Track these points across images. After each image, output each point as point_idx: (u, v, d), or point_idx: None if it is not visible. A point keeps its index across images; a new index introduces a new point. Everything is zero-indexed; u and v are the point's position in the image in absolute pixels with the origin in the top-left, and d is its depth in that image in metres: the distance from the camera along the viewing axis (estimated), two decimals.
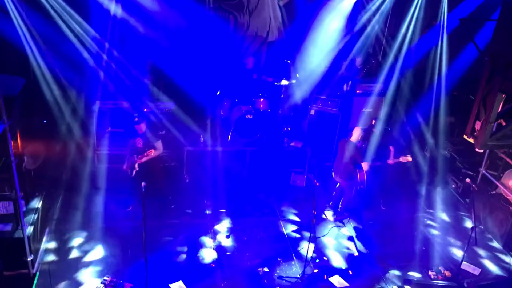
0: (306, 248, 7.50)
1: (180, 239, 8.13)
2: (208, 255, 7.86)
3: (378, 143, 9.26)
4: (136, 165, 8.29)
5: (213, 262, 7.70)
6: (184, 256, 7.77)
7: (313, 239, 7.63)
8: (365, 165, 8.65)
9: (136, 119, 8.40)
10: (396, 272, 7.81)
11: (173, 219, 8.61)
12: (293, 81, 10.43)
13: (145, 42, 9.97)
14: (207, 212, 8.90)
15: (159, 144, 8.53)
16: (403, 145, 10.07)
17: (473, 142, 6.24)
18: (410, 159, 9.07)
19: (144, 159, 8.30)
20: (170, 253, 7.77)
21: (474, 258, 8.29)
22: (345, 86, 10.87)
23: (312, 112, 10.66)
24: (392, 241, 8.53)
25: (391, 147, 9.14)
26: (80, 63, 9.44)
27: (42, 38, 8.99)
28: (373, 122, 9.52)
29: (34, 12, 8.77)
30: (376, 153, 9.12)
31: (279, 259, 7.86)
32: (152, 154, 8.33)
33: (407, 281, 7.50)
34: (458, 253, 8.35)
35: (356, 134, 8.58)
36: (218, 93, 10.59)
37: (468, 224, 9.14)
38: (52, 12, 8.97)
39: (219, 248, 8.03)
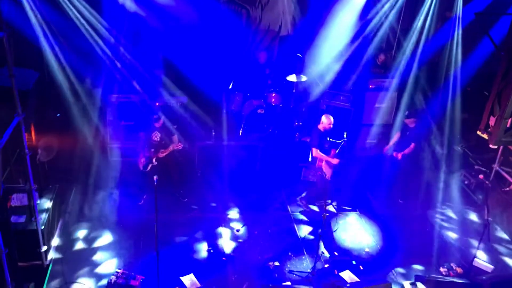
0: (317, 243, 7.49)
1: (191, 233, 8.17)
2: (219, 248, 7.89)
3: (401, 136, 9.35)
4: (154, 160, 8.34)
5: (224, 255, 7.74)
6: (195, 249, 7.80)
7: (324, 234, 7.61)
8: (334, 160, 8.65)
9: (155, 116, 8.46)
10: (408, 268, 7.77)
11: (185, 213, 8.65)
12: (305, 77, 10.37)
13: (158, 36, 9.99)
14: (219, 206, 8.92)
15: (175, 138, 8.58)
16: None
17: (487, 138, 6.18)
18: (399, 156, 9.23)
19: (164, 153, 8.35)
20: (181, 247, 7.81)
21: (487, 255, 8.22)
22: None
23: (324, 107, 10.62)
24: (404, 236, 8.48)
25: (412, 144, 9.18)
26: (94, 57, 9.49)
27: (56, 32, 9.05)
28: (406, 113, 9.45)
29: (48, 5, 8.82)
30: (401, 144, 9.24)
31: (289, 254, 7.86)
32: (173, 147, 8.39)
33: (418, 277, 7.45)
34: (470, 249, 8.28)
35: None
36: (230, 87, 10.59)
37: (481, 220, 9.06)
38: (66, 5, 9.02)
39: (230, 242, 8.06)
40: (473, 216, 9.36)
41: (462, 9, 9.90)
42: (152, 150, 8.39)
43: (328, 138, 8.65)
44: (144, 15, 9.71)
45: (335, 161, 8.69)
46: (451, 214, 9.36)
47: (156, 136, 8.46)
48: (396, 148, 9.32)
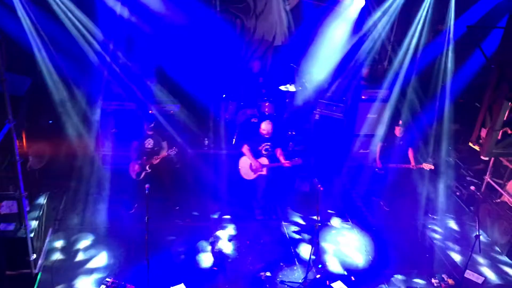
0: (309, 253, 7.47)
1: (183, 242, 8.11)
2: (210, 258, 7.84)
3: (391, 146, 9.31)
4: (147, 167, 8.31)
5: (215, 265, 7.68)
6: (186, 258, 7.75)
7: (316, 244, 7.60)
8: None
9: (151, 124, 8.44)
10: (399, 279, 7.76)
11: (176, 222, 8.60)
12: (299, 87, 10.41)
13: (151, 44, 10.00)
14: (211, 215, 8.88)
15: (165, 144, 8.57)
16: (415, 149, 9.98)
17: (478, 149, 6.21)
18: (432, 167, 9.10)
19: (158, 160, 8.33)
20: (172, 256, 7.75)
21: (478, 266, 8.24)
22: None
23: (317, 116, 10.65)
24: (396, 247, 8.48)
25: (410, 149, 9.22)
26: (86, 64, 9.46)
27: (49, 39, 9.02)
28: (400, 122, 9.39)
29: (41, 12, 8.80)
30: (392, 155, 9.20)
31: (281, 264, 7.83)
32: (165, 154, 8.38)
33: None
34: (461, 261, 8.30)
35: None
36: (224, 96, 10.60)
37: (472, 232, 9.09)
38: (59, 12, 9.01)
39: (221, 252, 8.01)
40: (464, 227, 9.39)
41: (454, 22, 10.01)
42: (145, 157, 8.35)
43: (264, 144, 8.57)
44: (137, 22, 9.72)
45: (287, 163, 8.60)
46: (442, 225, 9.38)
47: (149, 144, 8.42)
48: (392, 160, 9.26)
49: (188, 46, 10.31)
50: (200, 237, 8.28)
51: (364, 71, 10.89)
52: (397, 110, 10.78)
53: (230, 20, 10.98)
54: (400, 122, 9.32)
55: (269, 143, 8.57)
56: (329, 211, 9.36)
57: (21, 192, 6.47)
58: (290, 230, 8.76)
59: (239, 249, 8.12)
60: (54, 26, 8.98)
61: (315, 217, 7.08)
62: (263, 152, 8.62)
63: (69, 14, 9.08)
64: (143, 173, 8.36)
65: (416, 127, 10.43)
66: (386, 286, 7.58)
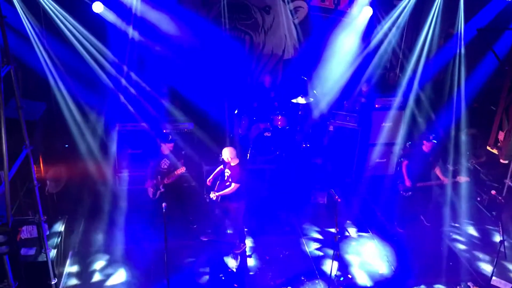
0: (330, 266, 7.37)
1: (202, 260, 8.07)
2: (230, 275, 7.78)
3: (418, 163, 8.73)
4: (161, 186, 8.31)
5: (236, 282, 7.62)
6: (206, 277, 7.70)
7: (337, 257, 7.50)
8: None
9: (170, 137, 8.35)
10: None
11: (195, 240, 8.57)
12: (311, 98, 10.40)
13: (162, 64, 10.13)
14: (229, 231, 8.83)
15: (180, 165, 8.52)
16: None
17: (497, 153, 6.13)
18: (468, 179, 8.73)
19: (172, 179, 8.26)
20: (192, 274, 7.71)
21: (504, 272, 8.05)
22: (362, 99, 10.79)
23: (331, 128, 10.61)
24: (419, 256, 8.34)
25: (437, 167, 8.81)
26: (99, 87, 9.61)
27: (63, 64, 9.19)
28: (431, 137, 8.64)
29: (54, 38, 8.98)
30: (420, 173, 8.72)
31: (302, 278, 7.73)
32: (179, 172, 8.25)
33: None
34: (487, 268, 8.12)
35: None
36: (236, 111, 10.64)
37: (496, 237, 8.91)
38: (71, 37, 9.20)
39: (241, 268, 7.95)
40: (488, 233, 9.20)
41: (464, 26, 9.95)
42: (159, 177, 8.36)
43: (225, 170, 8.03)
44: (148, 44, 9.86)
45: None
46: (465, 232, 9.21)
47: (165, 164, 8.40)
48: (420, 178, 8.75)
49: (199, 64, 10.42)
50: (219, 254, 8.23)
51: (364, 88, 10.79)
52: (411, 117, 10.70)
53: (239, 37, 11.09)
54: (431, 137, 8.61)
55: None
56: (348, 221, 9.25)
57: (40, 217, 6.50)
58: (310, 243, 8.66)
59: (259, 265, 8.05)
60: (67, 52, 9.17)
61: (333, 230, 6.97)
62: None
63: (81, 39, 9.26)
64: (158, 193, 8.36)
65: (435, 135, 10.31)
66: None
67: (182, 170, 8.20)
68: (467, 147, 10.31)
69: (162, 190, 8.32)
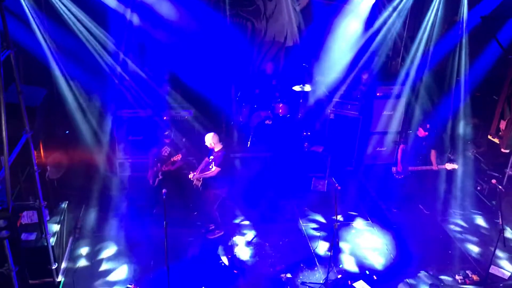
0: (329, 254, 7.40)
1: (202, 246, 8.11)
2: (230, 261, 7.82)
3: (413, 148, 9.07)
4: (160, 173, 8.32)
5: (236, 268, 7.66)
6: (206, 263, 7.74)
7: (336, 244, 7.52)
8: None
9: (167, 132, 8.52)
10: (422, 277, 7.65)
11: (195, 226, 8.60)
12: (312, 86, 10.36)
13: (163, 50, 10.08)
14: (229, 219, 8.86)
15: (182, 152, 8.61)
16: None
17: (498, 142, 6.11)
18: (456, 166, 8.80)
19: (169, 166, 8.36)
20: (192, 261, 7.75)
21: (503, 261, 8.08)
22: (362, 87, 10.71)
23: (332, 116, 10.58)
24: (417, 244, 8.36)
25: (433, 151, 8.95)
26: (100, 73, 9.57)
27: (63, 49, 9.15)
28: (428, 126, 8.97)
29: (54, 24, 8.93)
30: (413, 158, 8.98)
31: (301, 265, 7.77)
32: (175, 159, 8.33)
33: (433, 285, 7.34)
34: (486, 256, 8.14)
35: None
36: (237, 99, 10.61)
37: (496, 226, 8.92)
38: (72, 23, 9.14)
39: (241, 255, 7.99)
40: (487, 222, 9.22)
41: (467, 13, 9.85)
42: (159, 164, 8.41)
43: (210, 156, 8.12)
44: (149, 29, 9.80)
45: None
46: (464, 220, 9.23)
47: (166, 151, 8.49)
48: (413, 162, 9.03)
49: (199, 51, 10.36)
50: (219, 241, 8.27)
51: (364, 76, 10.73)
52: (413, 106, 10.66)
53: (241, 23, 11.01)
54: (428, 126, 8.92)
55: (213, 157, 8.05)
56: (350, 212, 9.28)
57: (40, 202, 6.53)
58: (310, 231, 8.69)
59: (259, 252, 8.09)
60: (67, 37, 9.12)
61: (334, 217, 6.99)
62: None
63: (82, 24, 9.21)
64: (157, 180, 8.41)
65: (433, 123, 10.29)
66: (409, 284, 7.47)
67: (177, 157, 8.26)
68: (468, 137, 10.30)
69: (161, 177, 8.36)
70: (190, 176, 7.97)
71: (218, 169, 7.80)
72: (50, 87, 8.96)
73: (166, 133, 8.58)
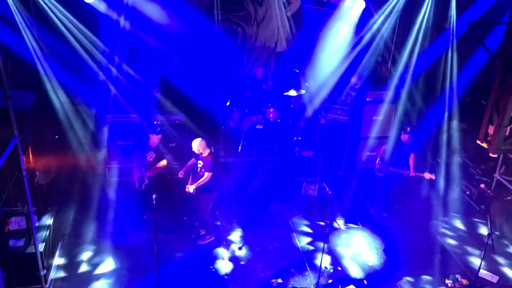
0: (320, 258, 7.40)
1: (192, 251, 8.08)
2: (221, 266, 7.79)
3: (395, 150, 9.17)
4: (146, 178, 8.23)
5: (226, 273, 7.64)
6: (196, 268, 7.70)
7: (327, 249, 7.53)
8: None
9: (159, 129, 8.30)
10: (412, 281, 7.68)
11: (185, 231, 8.56)
12: (303, 91, 10.40)
13: (154, 55, 10.05)
14: (219, 223, 8.84)
15: (168, 158, 8.52)
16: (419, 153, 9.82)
17: (486, 147, 6.16)
18: (433, 177, 8.92)
19: (154, 172, 8.25)
20: (182, 265, 7.72)
21: (492, 265, 8.14)
22: (352, 93, 10.77)
23: (322, 121, 10.62)
24: (407, 249, 8.40)
25: (412, 155, 9.04)
26: (90, 78, 9.53)
27: (53, 53, 9.10)
28: (408, 129, 9.22)
29: (44, 28, 8.88)
30: (395, 160, 9.07)
31: (292, 270, 7.77)
32: (160, 165, 8.26)
33: None
34: (475, 260, 8.20)
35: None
36: (228, 103, 10.61)
37: (484, 231, 8.99)
38: (62, 27, 9.10)
39: (232, 260, 7.97)
40: (476, 227, 9.29)
41: (456, 19, 9.96)
42: (143, 169, 8.24)
43: (198, 162, 8.03)
44: (140, 34, 9.77)
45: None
46: (453, 225, 9.29)
47: (151, 156, 8.32)
48: (394, 164, 9.13)
49: (190, 55, 10.34)
50: (210, 246, 8.24)
51: (353, 79, 10.78)
52: (403, 111, 10.73)
53: (232, 28, 11.02)
54: (408, 129, 9.17)
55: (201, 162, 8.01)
56: (338, 214, 9.29)
57: (29, 208, 6.45)
58: (300, 236, 8.69)
59: (250, 257, 8.07)
60: (57, 41, 9.07)
61: (323, 222, 6.99)
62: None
63: (72, 29, 9.16)
64: (143, 184, 8.25)
65: (422, 128, 10.38)
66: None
67: (163, 164, 8.21)
68: (456, 142, 10.38)
69: (147, 182, 8.25)
70: (187, 189, 7.86)
71: (210, 173, 7.80)
72: (39, 92, 8.90)
73: (158, 129, 8.32)
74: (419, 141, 9.74)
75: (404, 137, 9.11)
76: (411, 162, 9.05)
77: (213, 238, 8.37)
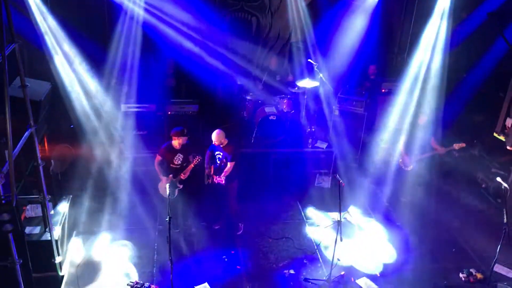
0: (333, 250, 7.38)
1: (205, 241, 8.12)
2: (233, 257, 7.82)
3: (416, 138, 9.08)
4: (178, 184, 7.84)
5: (239, 264, 7.66)
6: (210, 258, 7.74)
7: (339, 241, 7.50)
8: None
9: (185, 131, 7.82)
10: (425, 274, 7.62)
11: (198, 221, 8.59)
12: (317, 82, 10.32)
13: (168, 44, 10.03)
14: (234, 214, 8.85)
15: (192, 158, 7.92)
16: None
17: (503, 139, 6.07)
18: (464, 145, 8.85)
19: (186, 175, 7.83)
20: (195, 255, 7.76)
21: (508, 260, 8.03)
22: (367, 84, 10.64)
23: (336, 112, 10.54)
24: (421, 242, 8.34)
25: (432, 138, 9.00)
26: (105, 67, 9.54)
27: (68, 43, 9.12)
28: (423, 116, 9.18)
29: (58, 16, 8.89)
30: (418, 147, 9.01)
31: (305, 261, 7.77)
32: (196, 163, 7.78)
33: (436, 283, 7.31)
34: (490, 254, 8.10)
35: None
36: (242, 95, 10.58)
37: (501, 224, 8.86)
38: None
39: (244, 250, 7.99)
40: (492, 220, 9.17)
41: (475, 9, 9.77)
42: (171, 175, 7.84)
43: (216, 153, 7.98)
44: (155, 23, 9.76)
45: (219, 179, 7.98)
46: (468, 218, 9.18)
47: (178, 160, 7.82)
48: (419, 151, 9.02)
49: (205, 45, 10.31)
50: (223, 236, 8.27)
51: (370, 72, 10.64)
52: (418, 102, 10.58)
53: (246, 18, 10.96)
54: (424, 111, 9.05)
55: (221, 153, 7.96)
56: (351, 206, 9.24)
57: (44, 196, 6.55)
58: (313, 227, 8.68)
59: (262, 247, 8.08)
60: (72, 31, 9.07)
61: (337, 214, 6.96)
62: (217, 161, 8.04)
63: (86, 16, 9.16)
64: (176, 191, 7.86)
65: (439, 119, 10.22)
66: (412, 282, 7.45)
67: (197, 160, 7.76)
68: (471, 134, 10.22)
69: (181, 186, 7.90)
70: (216, 180, 7.89)
71: (233, 163, 7.84)
72: (54, 81, 8.95)
73: (185, 131, 7.78)
74: (436, 128, 9.60)
75: (422, 119, 8.98)
76: (433, 145, 8.99)
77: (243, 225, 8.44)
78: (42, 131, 7.13)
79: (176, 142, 7.76)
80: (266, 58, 11.35)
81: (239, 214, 8.44)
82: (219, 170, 7.98)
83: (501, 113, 6.32)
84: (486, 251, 8.20)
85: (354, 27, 10.73)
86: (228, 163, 7.84)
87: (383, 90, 10.42)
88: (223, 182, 7.91)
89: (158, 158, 7.88)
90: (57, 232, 7.00)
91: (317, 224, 8.77)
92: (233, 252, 7.65)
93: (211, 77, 10.27)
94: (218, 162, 8.00)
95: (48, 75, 8.84)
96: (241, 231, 8.39)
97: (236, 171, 8.01)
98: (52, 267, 6.93)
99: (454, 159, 10.05)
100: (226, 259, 7.72)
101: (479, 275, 7.55)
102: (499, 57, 9.70)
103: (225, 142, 7.87)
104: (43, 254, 6.80)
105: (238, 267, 7.59)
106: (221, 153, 7.90)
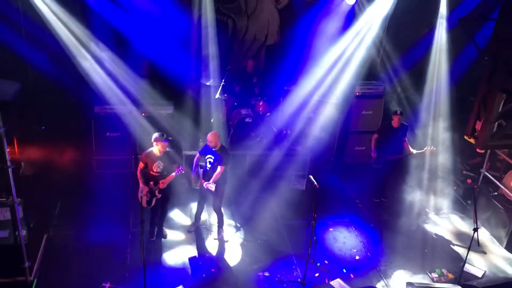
0: (307, 252, 7.41)
1: (180, 244, 8.05)
2: (208, 259, 7.77)
3: (388, 139, 9.17)
4: (157, 193, 7.56)
5: (213, 267, 7.62)
6: (184, 261, 7.68)
7: (313, 243, 7.54)
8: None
9: (165, 135, 7.44)
10: (398, 275, 7.72)
11: (173, 223, 8.52)
12: (292, 85, 10.37)
13: (143, 45, 9.92)
14: (207, 216, 8.81)
15: (175, 167, 7.57)
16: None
17: (473, 142, 6.18)
18: (434, 149, 9.10)
19: (165, 184, 7.51)
20: (169, 258, 7.69)
21: (477, 259, 8.22)
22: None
23: (312, 114, 10.59)
24: (394, 243, 8.45)
25: (405, 139, 9.18)
26: (77, 67, 9.38)
27: (38, 42, 8.94)
28: (398, 112, 9.16)
29: (29, 15, 8.71)
30: (391, 148, 9.12)
31: (279, 263, 7.77)
32: (173, 176, 7.47)
33: (409, 283, 7.41)
34: (460, 255, 8.27)
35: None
36: (217, 96, 10.52)
37: (470, 225, 9.06)
38: (47, 14, 8.89)
39: (219, 253, 7.95)
40: (462, 221, 9.37)
41: (446, 15, 9.97)
42: (152, 182, 7.53)
43: (207, 157, 7.80)
44: (127, 22, 9.64)
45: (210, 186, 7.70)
46: (440, 220, 9.36)
47: (158, 167, 7.51)
48: (390, 152, 9.17)
49: (180, 46, 10.24)
50: (198, 239, 8.21)
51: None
52: (391, 105, 10.75)
53: (222, 20, 10.93)
54: (399, 112, 9.11)
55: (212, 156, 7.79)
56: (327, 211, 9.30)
57: (13, 199, 6.39)
58: (288, 229, 8.69)
59: (237, 250, 8.06)
60: (42, 29, 8.89)
61: (311, 216, 6.99)
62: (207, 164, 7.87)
63: (58, 16, 8.96)
64: (154, 200, 7.61)
65: (411, 122, 10.38)
66: (385, 282, 7.54)
67: (181, 170, 7.45)
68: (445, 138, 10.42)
69: (159, 196, 7.61)
70: (206, 186, 7.63)
71: (223, 167, 7.68)
72: (25, 81, 8.76)
73: (164, 136, 7.43)
74: (410, 130, 9.74)
75: (395, 120, 9.05)
76: (406, 145, 9.16)
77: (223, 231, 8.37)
78: (12, 132, 6.97)
79: (156, 149, 7.43)
80: (242, 60, 11.33)
81: (222, 219, 8.36)
82: (208, 175, 7.79)
83: (471, 116, 6.45)
84: (457, 252, 8.37)
85: (330, 31, 10.78)
86: (219, 167, 7.66)
87: (357, 94, 10.52)
88: (213, 189, 7.64)
89: (141, 165, 7.54)
90: (26, 236, 6.84)
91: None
92: (213, 270, 7.57)
93: (186, 78, 10.21)
94: (209, 166, 7.79)
95: (19, 75, 8.65)
96: (221, 235, 8.32)
97: (225, 176, 7.92)
98: (21, 272, 6.77)
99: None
100: (200, 262, 7.67)
101: (450, 275, 7.74)
102: (471, 61, 9.92)
103: (219, 145, 7.73)
104: (12, 259, 6.64)
105: (212, 270, 7.55)
106: (213, 157, 7.69)
